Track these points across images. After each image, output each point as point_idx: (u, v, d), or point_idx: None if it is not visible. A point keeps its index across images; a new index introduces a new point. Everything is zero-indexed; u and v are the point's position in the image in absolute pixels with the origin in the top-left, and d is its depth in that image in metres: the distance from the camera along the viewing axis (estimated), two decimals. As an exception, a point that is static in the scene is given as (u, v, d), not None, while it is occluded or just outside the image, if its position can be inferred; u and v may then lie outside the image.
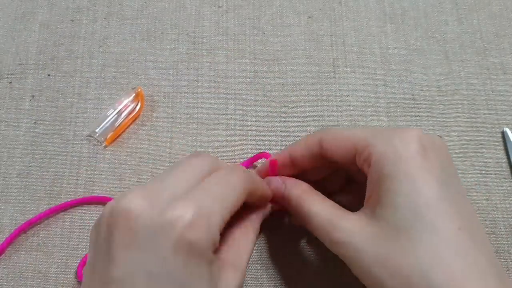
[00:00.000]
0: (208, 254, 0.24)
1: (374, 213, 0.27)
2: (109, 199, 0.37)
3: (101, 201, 0.37)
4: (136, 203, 0.24)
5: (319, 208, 0.29)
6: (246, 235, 0.29)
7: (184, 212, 0.23)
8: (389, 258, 0.25)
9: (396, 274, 0.24)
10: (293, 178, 0.32)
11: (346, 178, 0.34)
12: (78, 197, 0.38)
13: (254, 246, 0.30)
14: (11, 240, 0.36)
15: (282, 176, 0.33)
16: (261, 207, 0.31)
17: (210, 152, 0.39)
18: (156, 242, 0.23)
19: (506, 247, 0.36)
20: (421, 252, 0.24)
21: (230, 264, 0.27)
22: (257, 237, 0.30)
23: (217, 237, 0.24)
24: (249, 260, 0.28)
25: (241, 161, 0.39)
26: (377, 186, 0.27)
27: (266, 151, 0.39)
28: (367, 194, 0.28)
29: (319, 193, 0.31)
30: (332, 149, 0.29)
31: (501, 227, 0.37)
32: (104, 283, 0.23)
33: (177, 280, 0.23)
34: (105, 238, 0.24)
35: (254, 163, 0.38)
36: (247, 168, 0.38)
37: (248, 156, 0.39)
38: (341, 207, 0.29)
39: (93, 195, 0.38)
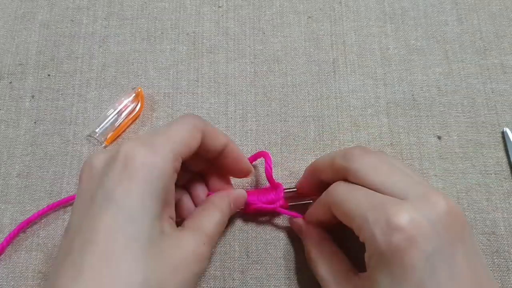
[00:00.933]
0: (156, 180, 0.26)
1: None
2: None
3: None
4: (96, 155, 0.28)
5: (323, 269, 0.31)
6: (205, 210, 0.31)
7: (129, 148, 0.26)
8: None
9: None
10: (312, 227, 0.34)
11: None
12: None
13: (220, 222, 0.31)
14: (11, 239, 0.36)
15: (304, 221, 0.35)
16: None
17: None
18: (105, 177, 0.26)
19: (506, 247, 0.36)
20: None
21: (186, 228, 0.29)
22: (224, 215, 0.32)
23: (168, 170, 0.26)
24: (214, 231, 0.30)
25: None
26: (373, 272, 0.27)
27: (266, 150, 0.39)
28: (366, 262, 0.28)
29: (331, 248, 0.33)
30: (341, 218, 0.29)
31: (501, 227, 0.37)
32: (65, 230, 0.27)
33: (117, 206, 0.25)
34: (102, 173, 0.27)
35: (253, 162, 0.38)
36: None
37: (248, 156, 0.39)
38: (348, 266, 0.31)
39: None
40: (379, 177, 0.28)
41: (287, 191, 0.36)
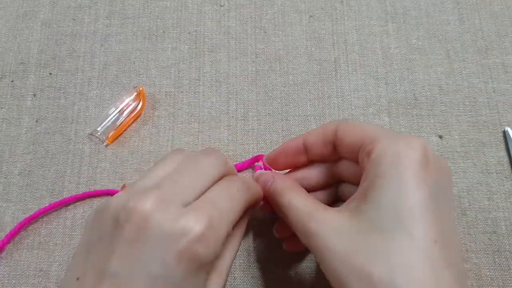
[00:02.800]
0: (208, 267, 0.25)
1: (358, 208, 0.26)
2: (110, 192, 0.37)
3: (104, 194, 0.38)
4: (152, 204, 0.24)
5: (299, 201, 0.29)
6: (232, 241, 0.29)
7: (195, 224, 0.24)
8: (358, 255, 0.24)
9: (361, 274, 0.24)
10: (282, 174, 0.33)
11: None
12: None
13: (238, 248, 0.30)
14: (12, 236, 0.36)
15: (273, 172, 0.34)
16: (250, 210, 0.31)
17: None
18: (163, 247, 0.23)
19: (507, 246, 0.36)
20: (391, 255, 0.24)
21: (214, 270, 0.27)
22: (242, 239, 0.30)
23: (220, 250, 0.25)
24: (232, 263, 0.28)
25: (242, 160, 0.39)
26: (370, 182, 0.26)
27: (262, 153, 0.39)
28: (358, 189, 0.27)
29: (304, 190, 0.31)
30: (345, 139, 0.29)
31: (502, 227, 0.37)
32: (100, 273, 0.24)
33: (174, 286, 0.23)
34: (111, 229, 0.24)
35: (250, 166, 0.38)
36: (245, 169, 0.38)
37: (249, 156, 0.39)
38: (325, 205, 0.29)
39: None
40: (371, 126, 0.29)
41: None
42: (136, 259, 0.23)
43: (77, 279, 0.24)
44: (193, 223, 0.24)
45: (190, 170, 0.27)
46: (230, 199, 0.27)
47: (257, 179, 0.33)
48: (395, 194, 0.25)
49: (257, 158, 0.37)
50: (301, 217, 0.28)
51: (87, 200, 0.38)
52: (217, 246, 0.25)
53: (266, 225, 0.37)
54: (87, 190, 0.38)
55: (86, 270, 0.24)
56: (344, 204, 0.28)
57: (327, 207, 0.28)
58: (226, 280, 0.27)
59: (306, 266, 0.36)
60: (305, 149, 0.32)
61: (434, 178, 0.26)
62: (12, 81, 0.42)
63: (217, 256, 0.25)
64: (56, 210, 0.37)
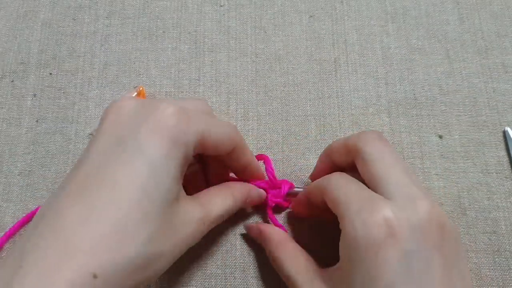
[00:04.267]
0: (182, 146, 0.26)
1: (339, 282, 0.27)
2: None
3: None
4: (129, 99, 0.27)
5: (288, 267, 0.31)
6: (221, 193, 0.31)
7: (169, 108, 0.26)
8: None
9: None
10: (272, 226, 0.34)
11: None
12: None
13: (228, 209, 0.31)
14: (11, 234, 0.36)
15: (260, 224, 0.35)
16: (256, 183, 0.34)
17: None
18: (137, 124, 0.26)
19: (507, 246, 0.36)
20: None
21: (197, 202, 0.29)
22: (235, 205, 0.32)
23: (191, 145, 0.27)
24: (218, 215, 0.30)
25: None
26: (343, 262, 0.27)
27: (267, 150, 0.39)
28: (340, 252, 0.28)
29: (293, 243, 0.32)
30: (329, 203, 0.29)
31: (502, 227, 0.37)
32: (78, 161, 0.26)
33: (145, 158, 0.24)
34: (96, 129, 0.27)
35: None
36: None
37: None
38: (313, 263, 0.31)
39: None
40: (382, 168, 0.28)
41: (298, 190, 0.36)
42: (110, 144, 0.25)
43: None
44: (165, 105, 0.26)
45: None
46: (203, 107, 0.31)
47: (247, 230, 0.36)
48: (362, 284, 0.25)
49: (258, 158, 0.37)
50: (292, 283, 0.30)
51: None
52: (190, 127, 0.26)
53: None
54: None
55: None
56: (332, 269, 0.28)
57: (315, 272, 0.30)
58: (208, 219, 0.29)
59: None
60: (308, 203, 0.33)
61: (400, 255, 0.25)
62: (12, 81, 0.42)
63: (189, 142, 0.26)
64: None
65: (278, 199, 0.36)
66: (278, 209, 0.37)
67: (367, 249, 0.25)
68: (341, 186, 0.29)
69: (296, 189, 0.36)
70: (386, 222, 0.25)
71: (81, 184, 0.24)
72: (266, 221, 0.37)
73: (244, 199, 0.33)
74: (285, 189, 0.36)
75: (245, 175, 0.34)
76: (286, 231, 0.35)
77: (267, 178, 0.36)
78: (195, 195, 0.30)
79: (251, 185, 0.34)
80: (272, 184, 0.36)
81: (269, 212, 0.36)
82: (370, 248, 0.25)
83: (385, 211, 0.25)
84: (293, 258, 0.31)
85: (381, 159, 0.28)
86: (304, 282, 0.29)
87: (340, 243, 0.27)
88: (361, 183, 0.29)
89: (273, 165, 0.36)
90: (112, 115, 0.27)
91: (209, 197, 0.30)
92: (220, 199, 0.31)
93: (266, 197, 0.36)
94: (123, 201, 0.23)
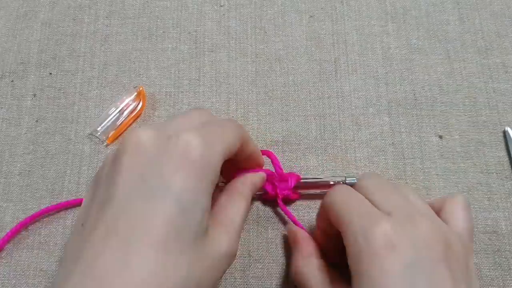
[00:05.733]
0: (209, 174, 0.25)
1: None
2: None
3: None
4: (145, 132, 0.26)
5: (313, 283, 0.30)
6: (234, 201, 0.31)
7: (190, 138, 0.25)
8: None
9: None
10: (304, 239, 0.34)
11: None
12: (80, 196, 0.38)
13: (246, 212, 0.31)
14: (13, 234, 0.36)
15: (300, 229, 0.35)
16: (251, 170, 0.34)
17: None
18: (159, 160, 0.25)
19: (507, 246, 0.36)
20: None
21: (219, 223, 0.28)
22: (248, 203, 0.31)
23: (218, 167, 0.26)
24: (242, 224, 0.30)
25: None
26: (353, 274, 0.26)
27: (268, 149, 0.39)
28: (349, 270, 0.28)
29: (322, 263, 0.32)
30: (333, 220, 0.29)
31: (503, 226, 0.37)
32: (101, 202, 0.25)
33: (173, 195, 0.24)
34: (109, 168, 0.26)
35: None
36: None
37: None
38: (338, 279, 0.30)
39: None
40: (381, 194, 0.29)
41: (305, 181, 0.36)
42: (135, 178, 0.24)
43: (82, 225, 0.25)
44: (187, 137, 0.25)
45: (179, 115, 0.29)
46: (223, 127, 0.29)
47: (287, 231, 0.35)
48: None
49: (263, 153, 0.37)
50: None
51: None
52: (214, 156, 0.26)
53: (266, 226, 0.37)
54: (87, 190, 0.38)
55: (90, 206, 0.25)
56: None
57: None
58: (236, 237, 0.28)
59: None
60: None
61: (402, 264, 0.25)
62: (12, 81, 0.42)
63: (216, 170, 0.26)
64: (57, 211, 0.37)
65: (287, 191, 0.36)
66: (286, 201, 0.37)
67: (369, 262, 0.25)
68: (344, 200, 0.29)
69: (303, 181, 0.36)
70: (386, 235, 0.25)
71: (112, 226, 0.24)
72: (276, 213, 0.37)
73: (252, 191, 0.33)
74: (292, 181, 0.36)
75: (248, 163, 0.33)
76: (304, 228, 0.35)
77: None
78: (214, 217, 0.29)
79: (250, 173, 0.34)
80: (280, 177, 0.36)
81: (282, 206, 0.36)
82: (373, 260, 0.25)
83: (386, 225, 0.26)
84: (318, 276, 0.31)
85: (379, 188, 0.29)
86: None
87: (348, 260, 0.27)
88: (362, 196, 0.29)
89: (278, 161, 0.36)
90: (131, 153, 0.25)
91: (226, 211, 0.30)
92: (235, 209, 0.30)
93: (276, 190, 0.36)
94: (156, 242, 0.23)
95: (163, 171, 0.24)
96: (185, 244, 0.24)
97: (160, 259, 0.23)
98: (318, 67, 0.42)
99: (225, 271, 0.28)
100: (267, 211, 0.37)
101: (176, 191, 0.24)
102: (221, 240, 0.27)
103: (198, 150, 0.25)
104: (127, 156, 0.25)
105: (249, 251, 0.36)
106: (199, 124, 0.28)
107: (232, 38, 0.43)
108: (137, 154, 0.25)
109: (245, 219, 0.31)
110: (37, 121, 0.40)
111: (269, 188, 0.36)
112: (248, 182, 0.33)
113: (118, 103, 0.40)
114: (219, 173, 0.27)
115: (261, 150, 0.36)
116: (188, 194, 0.24)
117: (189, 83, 0.42)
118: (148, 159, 0.25)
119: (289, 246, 0.35)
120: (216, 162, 0.26)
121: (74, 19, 0.44)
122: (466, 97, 0.41)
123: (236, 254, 0.29)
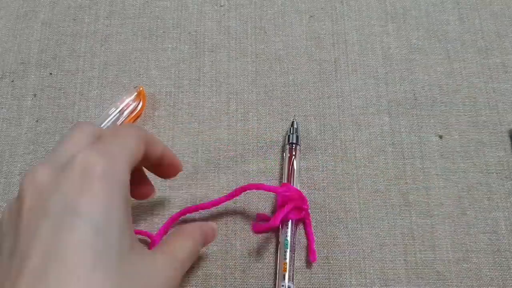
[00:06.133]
0: (118, 188, 0.24)
1: None
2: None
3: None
4: (38, 172, 0.24)
5: None
6: (178, 237, 0.30)
7: (86, 157, 0.24)
8: None
9: None
10: None
11: None
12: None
13: (191, 250, 0.30)
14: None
15: None
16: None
17: (211, 151, 0.39)
18: (61, 192, 0.23)
19: (507, 246, 0.36)
20: None
21: (159, 251, 0.28)
22: (195, 245, 0.31)
23: (127, 178, 0.25)
24: (184, 258, 0.29)
25: (243, 159, 0.39)
26: None
27: (265, 153, 0.39)
28: None
29: None
30: None
31: (502, 226, 0.37)
32: (11, 255, 0.23)
33: (83, 219, 0.22)
34: (11, 217, 0.24)
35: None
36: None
37: (249, 155, 0.39)
38: None
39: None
40: None
41: None
42: (39, 221, 0.23)
43: None
44: (82, 156, 0.24)
45: (63, 140, 0.27)
46: (119, 136, 0.27)
47: None
48: None
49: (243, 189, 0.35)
50: None
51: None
52: (114, 166, 0.24)
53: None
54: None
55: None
56: None
57: None
58: (178, 271, 0.28)
59: (308, 266, 0.36)
60: None
61: None
62: (12, 81, 0.42)
63: (118, 178, 0.24)
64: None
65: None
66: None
67: None
68: None
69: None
70: None
71: (19, 273, 0.22)
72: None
73: (201, 235, 0.32)
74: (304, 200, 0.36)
75: (163, 166, 0.32)
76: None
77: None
78: (155, 249, 0.30)
79: (204, 223, 0.34)
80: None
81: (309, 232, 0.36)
82: None
83: None
84: None
85: None
86: None
87: None
88: None
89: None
90: (27, 191, 0.24)
91: (168, 245, 0.29)
92: (179, 243, 0.30)
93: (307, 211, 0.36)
94: (75, 271, 0.22)
95: (67, 200, 0.23)
96: (108, 266, 0.23)
97: (83, 286, 0.21)
98: (318, 67, 0.42)
99: None
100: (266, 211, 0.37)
101: (84, 214, 0.22)
102: (160, 266, 0.26)
103: (98, 166, 0.24)
104: (27, 200, 0.24)
105: (249, 251, 0.36)
106: (90, 140, 0.26)
107: (232, 38, 0.44)
108: (34, 193, 0.24)
109: (191, 257, 0.30)
110: (37, 121, 0.40)
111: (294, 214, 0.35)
112: (197, 226, 0.33)
113: (118, 103, 0.40)
114: (128, 185, 0.25)
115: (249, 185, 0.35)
116: (98, 215, 0.23)
117: (189, 83, 0.42)
118: (48, 193, 0.23)
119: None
120: (122, 174, 0.25)
121: (74, 19, 0.44)
122: (466, 97, 0.41)
123: (178, 284, 0.28)
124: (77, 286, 0.21)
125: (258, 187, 0.34)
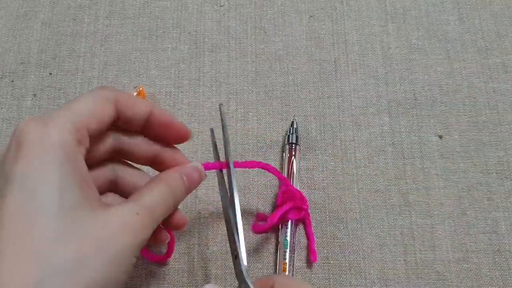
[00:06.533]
0: (54, 149, 0.24)
1: None
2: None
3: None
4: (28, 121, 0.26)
5: None
6: (150, 184, 0.29)
7: (21, 125, 0.25)
8: None
9: None
10: None
11: None
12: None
13: (167, 198, 0.28)
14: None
15: None
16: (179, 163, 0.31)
17: (211, 151, 0.39)
18: (4, 156, 0.25)
19: (507, 246, 0.36)
20: None
21: (121, 202, 0.27)
22: (171, 190, 0.29)
23: (68, 140, 0.25)
24: (155, 207, 0.27)
25: (243, 159, 0.39)
26: None
27: (264, 153, 0.39)
28: None
29: None
30: None
31: (502, 227, 0.37)
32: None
33: (15, 184, 0.23)
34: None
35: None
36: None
37: (249, 155, 0.39)
38: None
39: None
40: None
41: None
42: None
43: None
44: (20, 124, 0.25)
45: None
46: (80, 97, 0.27)
47: None
48: None
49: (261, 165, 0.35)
50: None
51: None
52: (51, 129, 0.25)
53: (266, 225, 0.37)
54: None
55: None
56: None
57: None
58: (149, 216, 0.27)
59: (307, 266, 0.36)
60: None
61: None
62: (12, 81, 0.42)
63: (55, 140, 0.25)
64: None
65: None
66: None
67: None
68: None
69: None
70: None
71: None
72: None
73: (180, 179, 0.30)
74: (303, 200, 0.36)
75: (160, 129, 0.31)
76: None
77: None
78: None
79: (184, 165, 0.31)
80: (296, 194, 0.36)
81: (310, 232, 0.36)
82: None
83: None
84: None
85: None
86: None
87: None
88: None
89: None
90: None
91: (135, 194, 0.28)
92: (146, 190, 0.28)
93: (306, 211, 0.36)
94: (19, 236, 0.23)
95: (6, 169, 0.24)
96: (44, 225, 0.23)
97: (26, 250, 0.22)
98: (318, 67, 0.42)
99: (134, 245, 0.25)
100: (266, 211, 0.37)
101: (19, 180, 0.23)
102: (114, 216, 0.25)
103: (28, 134, 0.24)
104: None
105: (249, 251, 0.36)
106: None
107: (232, 38, 0.44)
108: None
109: (165, 203, 0.28)
110: (37, 121, 0.40)
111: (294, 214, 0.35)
112: (174, 171, 0.30)
113: (118, 103, 0.40)
114: (72, 145, 0.25)
115: (256, 162, 0.34)
116: (32, 178, 0.23)
117: (189, 83, 0.42)
118: None
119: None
120: (58, 136, 0.25)
121: (74, 19, 0.44)
122: (466, 97, 0.41)
123: (145, 227, 0.26)
124: (12, 250, 0.22)
125: (274, 171, 0.35)
